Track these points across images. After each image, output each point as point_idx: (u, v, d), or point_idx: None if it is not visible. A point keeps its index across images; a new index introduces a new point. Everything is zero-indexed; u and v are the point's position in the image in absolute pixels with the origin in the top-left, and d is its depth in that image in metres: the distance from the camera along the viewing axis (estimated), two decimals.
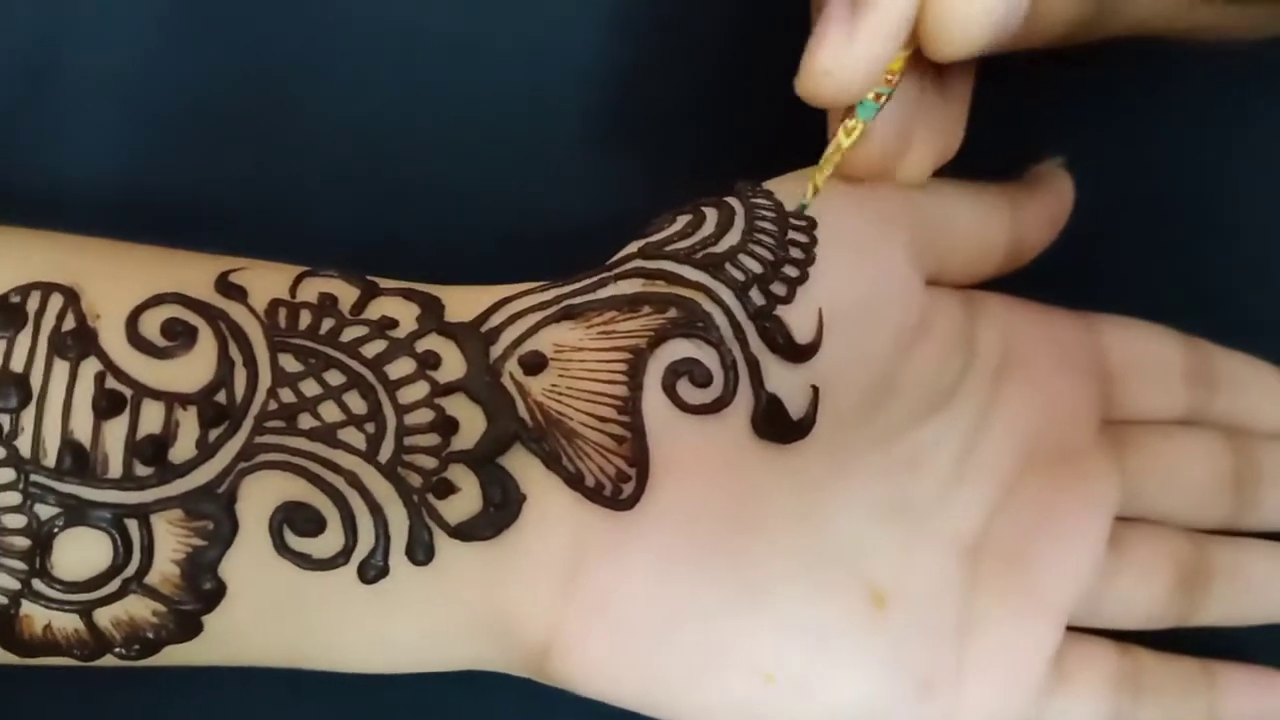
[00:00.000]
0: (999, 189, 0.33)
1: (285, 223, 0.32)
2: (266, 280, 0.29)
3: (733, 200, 0.30)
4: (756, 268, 0.29)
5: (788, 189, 0.30)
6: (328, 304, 0.28)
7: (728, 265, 0.29)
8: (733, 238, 0.29)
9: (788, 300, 0.29)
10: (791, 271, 0.29)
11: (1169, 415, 0.34)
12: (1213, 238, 0.36)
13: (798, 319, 0.29)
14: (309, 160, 0.33)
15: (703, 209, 0.30)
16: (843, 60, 0.27)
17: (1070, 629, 0.31)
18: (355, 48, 0.33)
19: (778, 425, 0.28)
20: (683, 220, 0.30)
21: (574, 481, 0.27)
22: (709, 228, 0.29)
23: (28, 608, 0.27)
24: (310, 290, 0.29)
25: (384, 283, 0.29)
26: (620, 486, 0.28)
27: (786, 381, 0.29)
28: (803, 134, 0.30)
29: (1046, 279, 0.34)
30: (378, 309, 0.29)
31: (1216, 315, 0.35)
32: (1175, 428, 0.34)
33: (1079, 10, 0.29)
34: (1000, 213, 0.33)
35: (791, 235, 0.29)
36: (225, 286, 0.28)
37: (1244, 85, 0.35)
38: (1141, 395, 0.34)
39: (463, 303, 0.29)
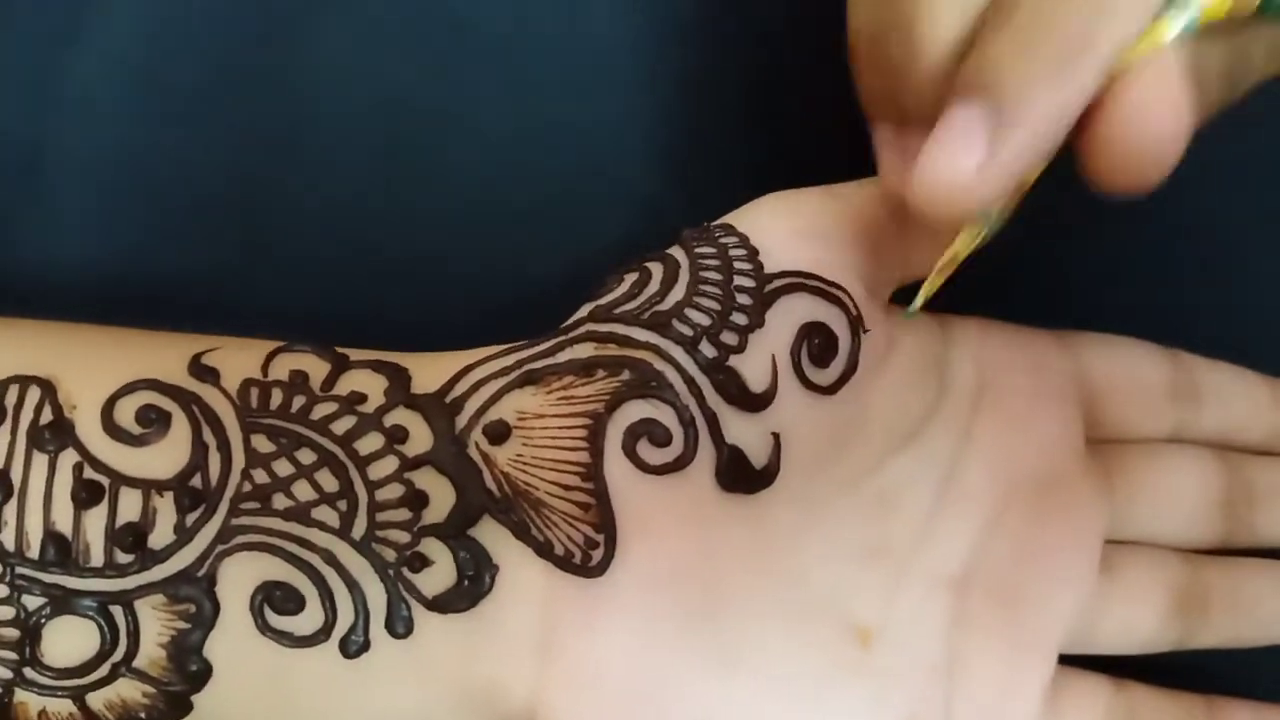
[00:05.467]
0: None
1: (269, 300, 0.33)
2: (238, 359, 0.29)
3: (676, 253, 0.30)
4: (704, 320, 0.29)
5: (748, 219, 0.30)
6: (298, 381, 0.29)
7: (675, 322, 0.29)
8: (678, 292, 0.29)
9: (740, 350, 0.29)
10: (740, 319, 0.29)
11: (1155, 433, 0.34)
12: (1193, 247, 0.36)
13: (751, 368, 0.29)
14: (290, 237, 0.34)
15: (647, 265, 0.30)
16: (982, 177, 0.25)
17: (1064, 659, 0.31)
18: (336, 127, 0.34)
19: (742, 477, 0.29)
20: (629, 280, 0.30)
21: (544, 551, 0.28)
22: (654, 285, 0.30)
23: (21, 695, 0.27)
24: (282, 368, 0.29)
25: (354, 354, 0.30)
26: (589, 554, 0.28)
27: (746, 432, 0.29)
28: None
29: (1022, 298, 0.33)
30: (347, 383, 0.29)
31: (1200, 327, 0.35)
32: (1162, 447, 0.33)
33: (1220, 100, 0.27)
34: None
35: (738, 281, 0.29)
36: (198, 369, 0.29)
37: None
38: (1126, 415, 0.33)
39: (429, 372, 0.29)
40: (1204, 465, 0.33)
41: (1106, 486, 0.32)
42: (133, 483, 0.27)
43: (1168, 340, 0.34)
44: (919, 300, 0.29)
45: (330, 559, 0.27)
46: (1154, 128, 0.25)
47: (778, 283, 0.29)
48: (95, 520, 0.27)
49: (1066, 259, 0.35)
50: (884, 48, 0.27)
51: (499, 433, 0.28)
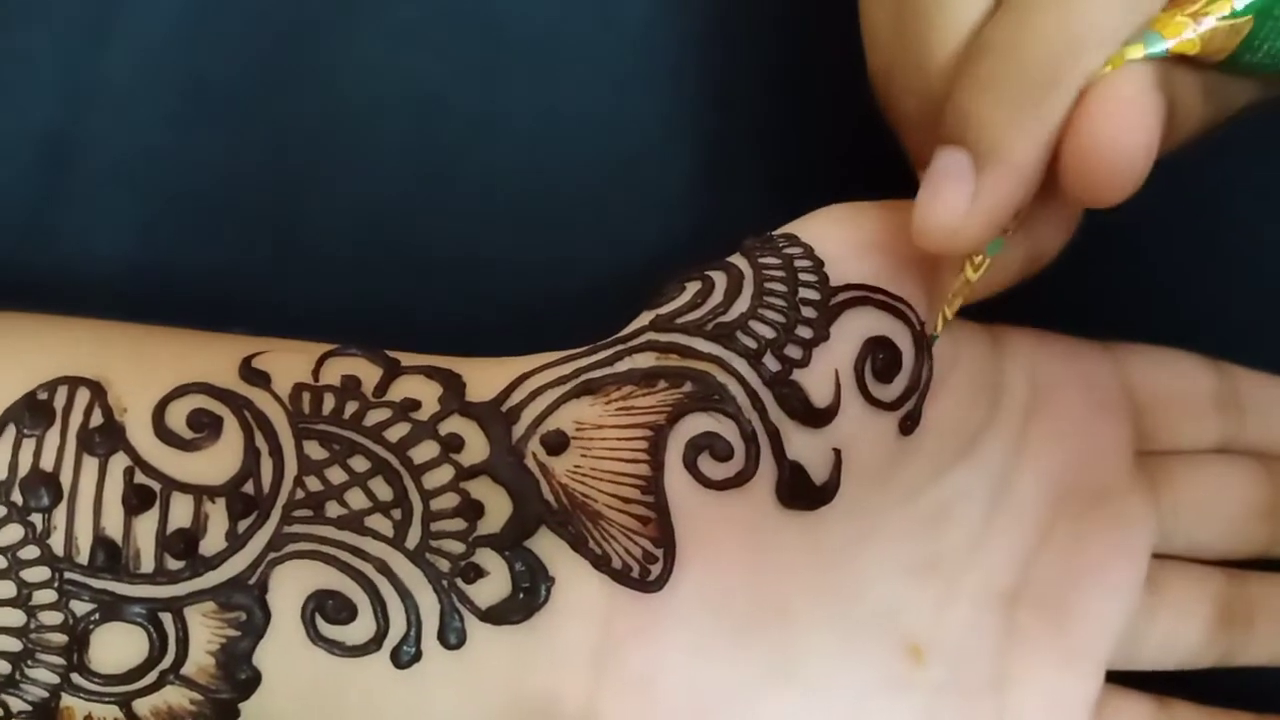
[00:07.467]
0: None
1: (302, 298, 0.32)
2: (289, 363, 0.29)
3: (739, 262, 0.30)
4: (769, 333, 0.29)
5: (812, 230, 0.30)
6: (350, 386, 0.28)
7: (738, 334, 0.28)
8: (742, 304, 0.29)
9: (804, 364, 0.28)
10: (805, 333, 0.29)
11: (1201, 444, 0.34)
12: (1233, 256, 0.36)
13: (815, 382, 0.28)
14: (326, 236, 0.34)
15: (710, 275, 0.30)
16: (970, 219, 0.26)
17: (1108, 676, 0.31)
18: (370, 125, 0.34)
19: (802, 493, 0.28)
20: (692, 289, 0.29)
21: (601, 564, 0.28)
22: (718, 295, 0.29)
23: (68, 700, 0.27)
24: (333, 372, 0.29)
25: (405, 359, 0.29)
26: (648, 568, 0.28)
27: (808, 447, 0.28)
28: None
29: (1068, 306, 0.33)
30: (400, 389, 0.29)
31: (1245, 337, 0.35)
32: (1208, 458, 0.33)
33: (1201, 118, 0.27)
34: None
35: (803, 294, 0.29)
36: (249, 373, 0.28)
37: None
38: (1173, 427, 0.33)
39: (482, 379, 0.29)
40: (1247, 475, 0.33)
41: (1153, 499, 0.32)
42: (184, 488, 0.27)
43: (1211, 351, 0.34)
44: (939, 324, 0.29)
45: (383, 568, 0.27)
46: (1121, 139, 0.25)
47: (843, 296, 0.29)
48: (146, 526, 0.27)
49: (1110, 270, 0.35)
50: (900, 70, 0.28)
51: (557, 443, 0.28)
